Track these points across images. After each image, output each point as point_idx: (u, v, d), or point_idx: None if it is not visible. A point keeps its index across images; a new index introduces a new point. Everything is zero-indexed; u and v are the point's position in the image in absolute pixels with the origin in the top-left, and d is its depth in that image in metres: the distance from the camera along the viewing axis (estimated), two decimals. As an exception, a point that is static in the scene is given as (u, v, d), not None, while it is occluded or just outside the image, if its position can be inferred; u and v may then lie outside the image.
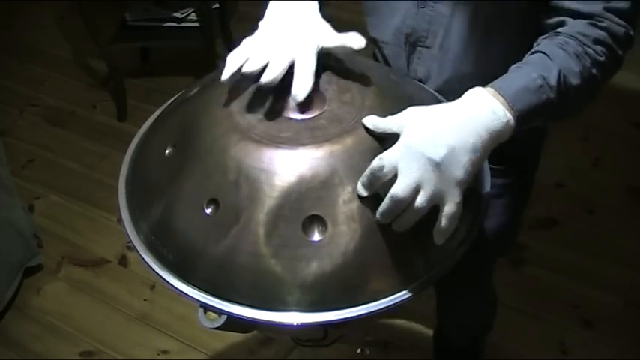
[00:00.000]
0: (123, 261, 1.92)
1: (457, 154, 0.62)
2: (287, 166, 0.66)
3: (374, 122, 0.68)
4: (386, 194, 0.62)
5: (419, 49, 0.93)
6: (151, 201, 0.72)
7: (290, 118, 0.71)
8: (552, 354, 1.62)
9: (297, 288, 0.63)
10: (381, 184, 0.63)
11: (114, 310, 1.80)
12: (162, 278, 0.68)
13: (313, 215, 0.64)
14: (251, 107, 0.72)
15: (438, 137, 0.62)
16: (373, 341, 1.66)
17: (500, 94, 0.66)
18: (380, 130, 0.68)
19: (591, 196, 1.99)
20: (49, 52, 2.77)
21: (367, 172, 0.64)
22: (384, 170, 0.62)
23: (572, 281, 1.77)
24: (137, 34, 2.30)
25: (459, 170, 0.62)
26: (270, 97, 0.73)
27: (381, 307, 0.64)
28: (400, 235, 0.65)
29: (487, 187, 0.74)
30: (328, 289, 0.64)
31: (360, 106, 0.72)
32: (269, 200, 0.64)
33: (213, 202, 0.66)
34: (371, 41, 0.99)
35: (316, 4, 0.77)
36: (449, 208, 0.63)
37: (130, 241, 0.71)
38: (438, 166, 0.61)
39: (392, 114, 0.67)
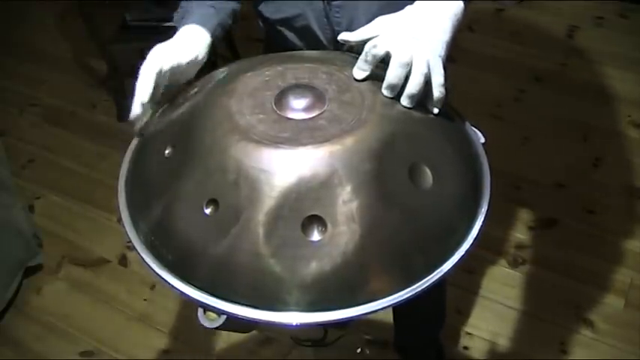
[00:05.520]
0: (123, 261, 1.92)
1: (435, 33, 0.73)
2: (287, 166, 0.66)
3: (346, 37, 0.77)
4: (382, 77, 0.72)
5: (336, 2, 0.95)
6: (150, 201, 0.72)
7: (290, 118, 0.71)
8: (552, 354, 1.62)
9: (296, 288, 0.63)
10: (374, 60, 0.73)
11: (114, 310, 1.80)
12: (162, 278, 0.68)
13: (313, 215, 0.64)
14: (251, 107, 0.72)
15: (417, 22, 0.74)
16: (373, 341, 1.66)
17: None
18: (356, 40, 0.76)
19: (591, 196, 1.99)
20: (49, 52, 2.77)
21: (362, 54, 0.74)
22: (377, 47, 0.72)
23: (572, 281, 1.77)
24: (137, 34, 2.30)
25: (438, 46, 0.73)
26: (269, 97, 0.73)
27: (381, 307, 0.64)
28: (400, 235, 0.65)
29: (487, 191, 0.74)
30: (328, 289, 0.64)
31: (360, 106, 0.72)
32: (268, 200, 0.64)
33: (212, 202, 0.66)
34: (275, 23, 1.00)
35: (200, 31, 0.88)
36: (437, 78, 0.72)
37: (130, 241, 0.71)
38: (421, 42, 0.72)
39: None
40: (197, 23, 0.88)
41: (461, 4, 0.76)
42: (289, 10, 0.98)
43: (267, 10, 1.00)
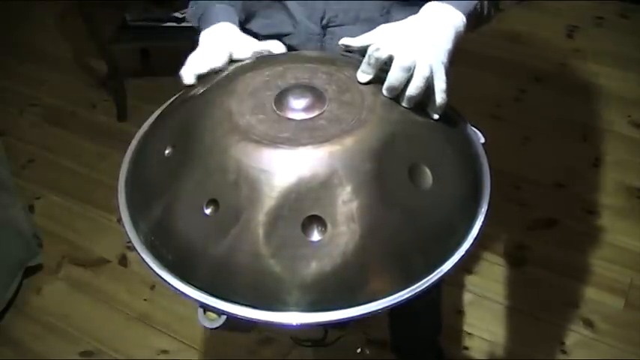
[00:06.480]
0: (123, 261, 1.92)
1: (438, 40, 0.74)
2: (286, 167, 0.66)
3: (348, 42, 0.78)
4: (383, 78, 0.72)
5: (330, 29, 0.95)
6: (150, 201, 0.72)
7: (290, 119, 0.71)
8: (552, 354, 1.62)
9: (296, 288, 0.63)
10: (377, 64, 0.73)
11: (114, 310, 1.80)
12: (162, 278, 0.68)
13: (313, 215, 0.64)
14: (251, 107, 0.72)
15: (420, 29, 0.74)
16: (373, 341, 1.66)
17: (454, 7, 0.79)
18: (358, 46, 0.77)
19: (591, 196, 1.99)
20: (49, 52, 2.77)
21: (365, 57, 0.74)
22: (380, 50, 0.72)
23: (572, 281, 1.77)
24: (137, 34, 2.30)
25: (441, 52, 0.74)
26: (269, 97, 0.73)
27: (381, 307, 0.64)
28: (400, 235, 0.65)
29: (487, 191, 0.74)
30: (328, 289, 0.64)
31: (360, 106, 0.72)
32: (268, 200, 0.64)
33: (212, 202, 0.66)
34: (264, 38, 0.98)
35: (233, 26, 0.87)
36: (439, 84, 0.72)
37: (130, 241, 0.71)
38: (425, 47, 0.72)
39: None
40: (226, 20, 0.88)
41: (462, 16, 0.77)
42: (282, 28, 0.98)
43: (256, 26, 0.99)
